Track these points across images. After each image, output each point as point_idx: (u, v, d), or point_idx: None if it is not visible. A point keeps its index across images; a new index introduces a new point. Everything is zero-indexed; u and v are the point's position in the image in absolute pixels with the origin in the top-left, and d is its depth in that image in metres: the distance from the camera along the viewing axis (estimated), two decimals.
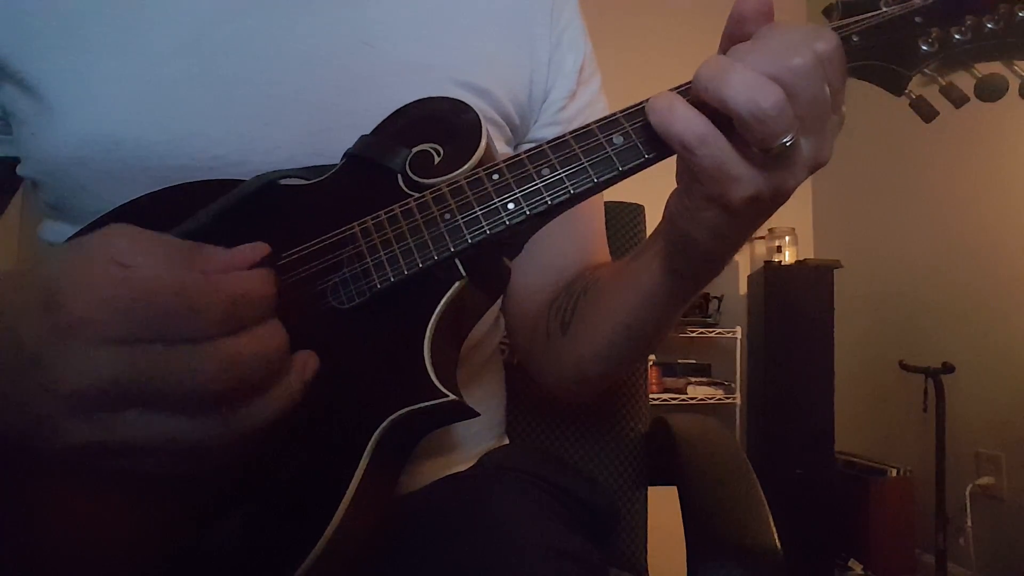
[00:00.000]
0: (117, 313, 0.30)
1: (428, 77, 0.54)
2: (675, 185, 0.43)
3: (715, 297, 2.70)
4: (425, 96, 0.49)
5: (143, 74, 0.49)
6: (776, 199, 0.39)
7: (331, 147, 0.49)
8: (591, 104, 0.65)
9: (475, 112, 0.47)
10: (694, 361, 2.68)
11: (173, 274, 0.31)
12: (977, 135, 2.19)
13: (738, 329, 2.62)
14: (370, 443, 0.38)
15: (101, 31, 0.50)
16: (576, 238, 0.64)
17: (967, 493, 2.08)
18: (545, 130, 0.63)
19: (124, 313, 0.30)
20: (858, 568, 2.25)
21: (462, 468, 0.60)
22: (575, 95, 0.64)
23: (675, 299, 0.50)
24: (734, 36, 0.40)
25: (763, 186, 0.38)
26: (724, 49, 0.41)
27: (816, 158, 0.38)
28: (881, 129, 2.29)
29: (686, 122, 0.37)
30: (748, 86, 0.35)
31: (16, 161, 0.53)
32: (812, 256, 2.80)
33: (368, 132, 0.49)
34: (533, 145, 0.43)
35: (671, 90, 0.40)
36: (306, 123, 0.51)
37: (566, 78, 0.63)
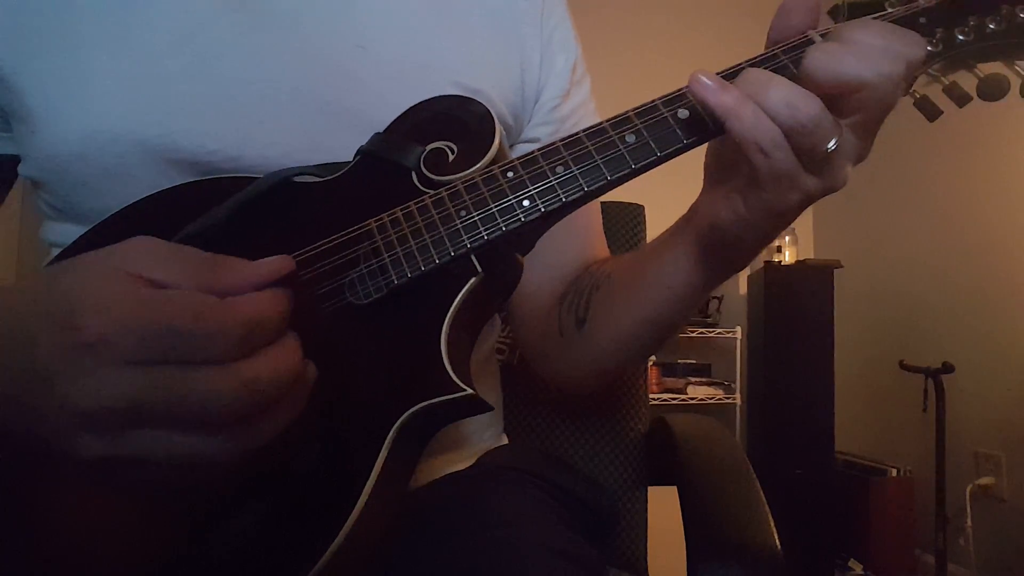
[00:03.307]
0: (134, 334, 0.30)
1: (421, 77, 0.55)
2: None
3: (715, 297, 2.70)
4: (420, 96, 0.49)
5: (139, 70, 0.49)
6: (822, 195, 0.41)
7: (327, 143, 0.49)
8: (584, 104, 0.66)
9: (488, 109, 0.47)
10: (694, 361, 2.67)
11: (191, 297, 0.32)
12: (977, 136, 2.19)
13: (738, 329, 2.61)
14: (388, 437, 0.38)
15: (97, 28, 0.50)
16: (577, 234, 0.64)
17: (967, 493, 2.09)
18: (539, 129, 0.63)
19: (141, 334, 0.30)
20: (858, 568, 2.25)
21: (461, 467, 0.60)
22: (569, 94, 0.64)
23: (702, 292, 0.51)
24: (781, 28, 0.42)
25: (816, 187, 0.40)
26: (772, 40, 0.43)
27: (862, 155, 0.41)
28: (882, 130, 2.28)
29: (767, 127, 0.38)
30: (787, 100, 0.37)
31: (16, 159, 0.53)
32: (812, 256, 2.80)
33: (364, 130, 0.49)
34: (546, 143, 0.43)
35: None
36: (302, 120, 0.51)
37: (558, 77, 0.63)
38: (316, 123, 0.51)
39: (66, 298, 0.31)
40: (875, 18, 0.43)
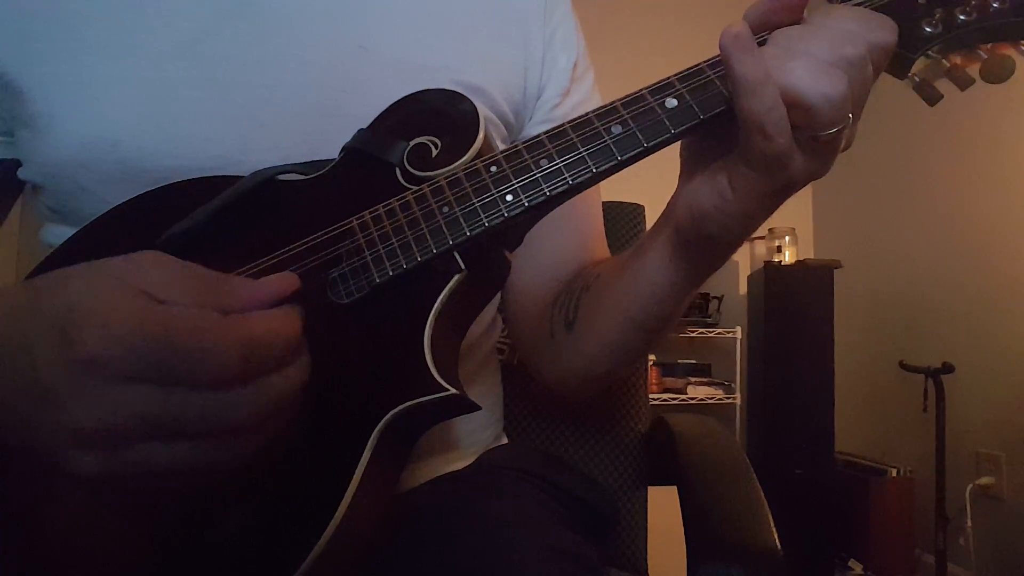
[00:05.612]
0: (132, 351, 0.29)
1: (424, 77, 0.54)
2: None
3: (715, 297, 2.70)
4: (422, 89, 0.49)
5: (142, 76, 0.49)
6: (807, 181, 0.40)
7: (328, 148, 0.49)
8: (585, 101, 0.65)
9: (473, 104, 0.47)
10: (694, 361, 2.67)
11: (191, 314, 0.31)
12: (978, 135, 2.19)
13: (738, 329, 2.61)
14: (371, 438, 0.38)
15: (100, 34, 0.50)
16: (575, 236, 0.64)
17: (967, 493, 2.08)
18: (539, 127, 0.62)
19: (139, 351, 0.29)
20: (858, 568, 2.25)
21: (460, 466, 0.60)
22: (569, 92, 0.64)
23: (686, 289, 0.49)
24: (764, 22, 0.40)
25: (803, 172, 0.38)
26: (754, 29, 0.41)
27: (848, 143, 0.39)
28: (882, 129, 2.29)
29: (780, 112, 0.36)
30: (818, 73, 0.35)
31: (17, 163, 0.53)
32: (812, 256, 2.80)
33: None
34: (531, 136, 0.42)
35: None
36: (303, 125, 0.51)
37: (560, 75, 0.63)
38: (317, 127, 0.51)
39: (65, 308, 0.30)
40: None
